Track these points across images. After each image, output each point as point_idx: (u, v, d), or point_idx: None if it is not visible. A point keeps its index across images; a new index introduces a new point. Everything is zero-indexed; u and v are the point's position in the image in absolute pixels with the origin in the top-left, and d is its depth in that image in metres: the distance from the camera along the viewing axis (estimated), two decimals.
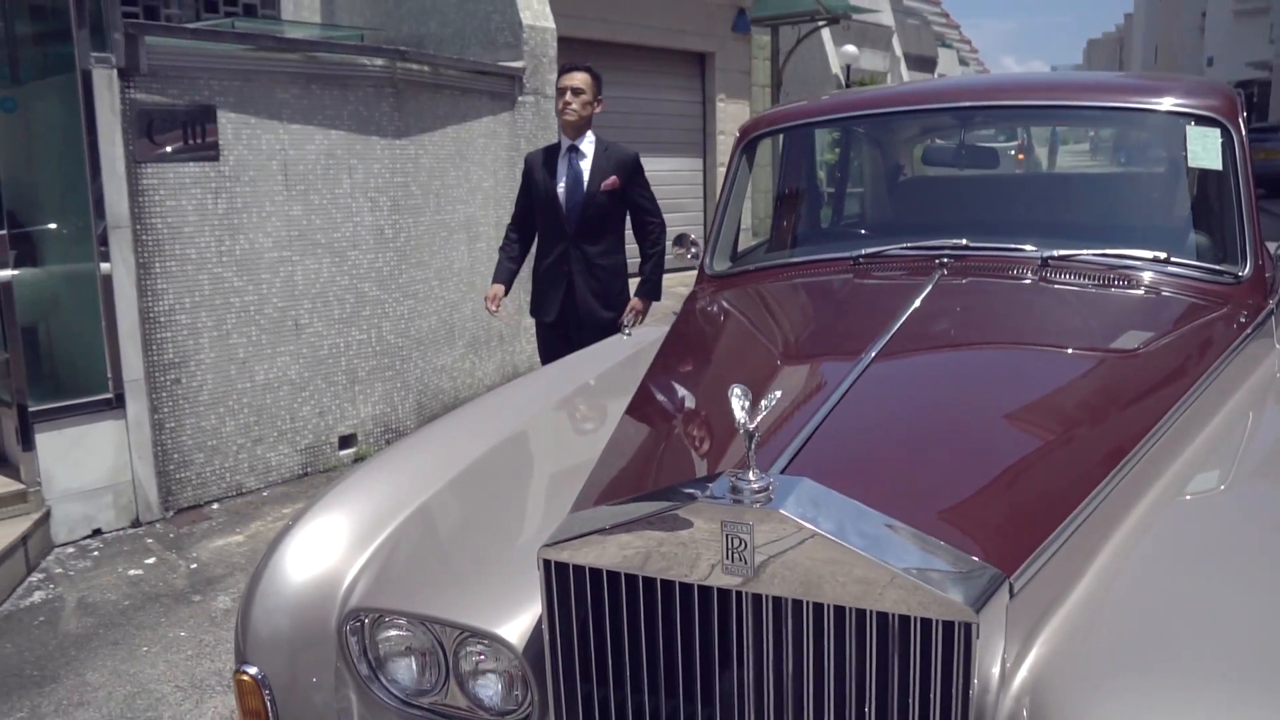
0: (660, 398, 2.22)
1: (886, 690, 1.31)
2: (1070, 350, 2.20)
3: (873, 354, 1.99)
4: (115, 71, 4.45)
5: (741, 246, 3.70)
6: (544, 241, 4.43)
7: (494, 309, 4.43)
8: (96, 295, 4.57)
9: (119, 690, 3.29)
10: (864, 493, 1.41)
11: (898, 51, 26.11)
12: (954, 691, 1.27)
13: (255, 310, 5.10)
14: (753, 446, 1.39)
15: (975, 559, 1.34)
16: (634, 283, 4.50)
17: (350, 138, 5.40)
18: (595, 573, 1.49)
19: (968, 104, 2.97)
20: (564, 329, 4.42)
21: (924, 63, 30.42)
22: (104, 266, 4.54)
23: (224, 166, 4.88)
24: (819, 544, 1.31)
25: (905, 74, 26.45)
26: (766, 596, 1.35)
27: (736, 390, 1.44)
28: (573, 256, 4.34)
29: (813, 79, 16.25)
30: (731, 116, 12.46)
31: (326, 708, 1.87)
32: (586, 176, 4.32)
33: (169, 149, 4.68)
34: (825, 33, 16.35)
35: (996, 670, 1.33)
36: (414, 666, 1.81)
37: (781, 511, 1.31)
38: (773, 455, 1.55)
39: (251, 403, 5.15)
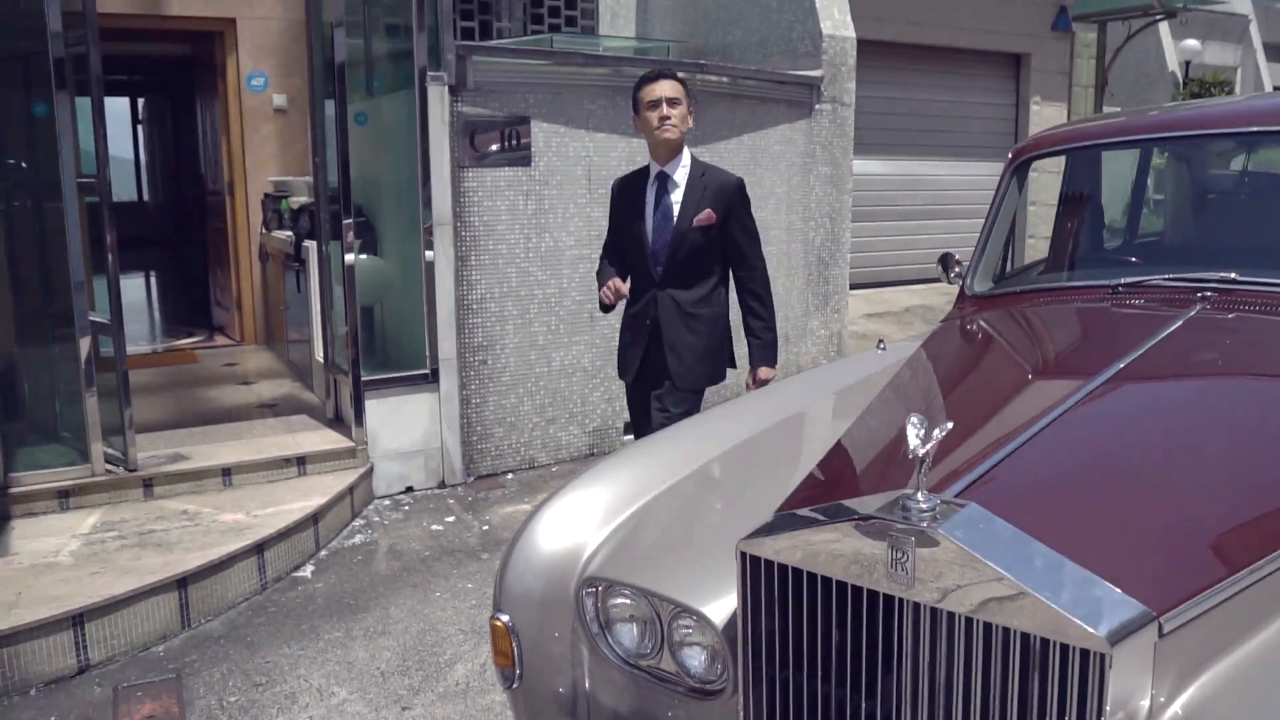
0: (884, 413, 2.36)
1: (1026, 708, 1.42)
2: None
3: (1092, 386, 2.03)
4: (446, 88, 5.06)
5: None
6: (632, 285, 3.75)
7: (611, 298, 3.67)
8: (420, 282, 5.22)
9: (413, 626, 3.83)
10: (1032, 520, 1.51)
11: (1255, 42, 23.66)
12: (1087, 718, 1.36)
13: (555, 302, 5.61)
14: (923, 470, 1.53)
15: (1124, 593, 1.41)
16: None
17: None
18: (783, 568, 1.68)
19: (1249, 130, 2.83)
20: (647, 388, 3.73)
21: None
22: (428, 256, 5.18)
23: (534, 171, 5.41)
24: (972, 565, 1.43)
25: (1263, 67, 23.93)
26: (925, 606, 1.49)
27: (914, 419, 1.58)
28: (660, 305, 3.64)
29: (1145, 78, 15.15)
30: (1047, 120, 11.92)
31: (563, 659, 2.17)
32: (677, 210, 3.60)
33: (488, 155, 5.26)
34: (1163, 25, 15.19)
35: (1145, 704, 1.40)
36: (635, 632, 2.07)
37: (941, 532, 1.45)
38: (955, 479, 1.67)
39: (547, 386, 5.67)
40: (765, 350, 3.70)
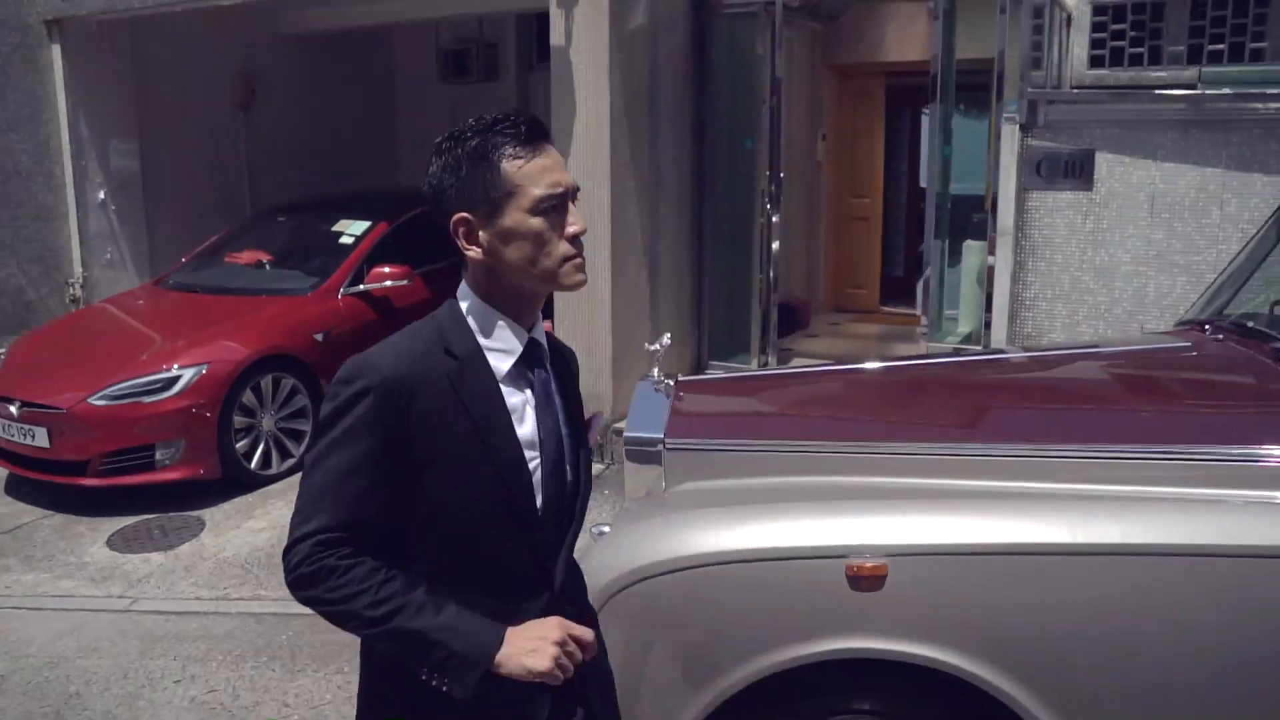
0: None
1: None
2: None
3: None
4: (1017, 127, 6.39)
5: None
6: (474, 599, 1.70)
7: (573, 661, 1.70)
8: (984, 279, 6.68)
9: None
10: (704, 400, 3.17)
11: None
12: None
13: (1105, 310, 6.47)
14: (658, 361, 3.28)
15: (662, 426, 2.99)
16: None
17: (1226, 174, 6.14)
18: None
19: None
20: None
21: None
22: (991, 259, 6.62)
23: (1095, 195, 6.35)
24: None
25: None
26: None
27: (664, 337, 3.30)
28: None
29: None
30: None
31: None
32: (562, 411, 1.84)
33: (1051, 181, 6.41)
34: None
35: (661, 485, 2.98)
36: None
37: (640, 382, 3.23)
38: (698, 373, 3.33)
39: None
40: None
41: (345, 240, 7.32)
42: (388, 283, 7.06)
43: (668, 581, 2.44)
